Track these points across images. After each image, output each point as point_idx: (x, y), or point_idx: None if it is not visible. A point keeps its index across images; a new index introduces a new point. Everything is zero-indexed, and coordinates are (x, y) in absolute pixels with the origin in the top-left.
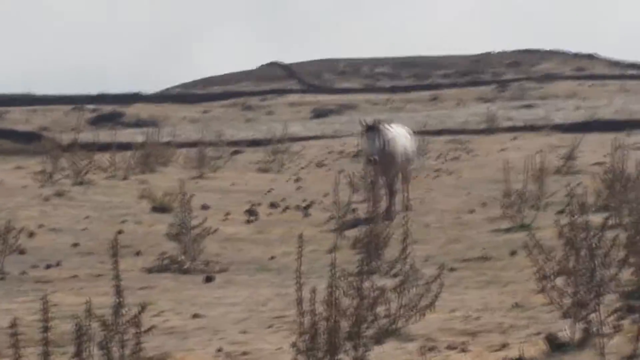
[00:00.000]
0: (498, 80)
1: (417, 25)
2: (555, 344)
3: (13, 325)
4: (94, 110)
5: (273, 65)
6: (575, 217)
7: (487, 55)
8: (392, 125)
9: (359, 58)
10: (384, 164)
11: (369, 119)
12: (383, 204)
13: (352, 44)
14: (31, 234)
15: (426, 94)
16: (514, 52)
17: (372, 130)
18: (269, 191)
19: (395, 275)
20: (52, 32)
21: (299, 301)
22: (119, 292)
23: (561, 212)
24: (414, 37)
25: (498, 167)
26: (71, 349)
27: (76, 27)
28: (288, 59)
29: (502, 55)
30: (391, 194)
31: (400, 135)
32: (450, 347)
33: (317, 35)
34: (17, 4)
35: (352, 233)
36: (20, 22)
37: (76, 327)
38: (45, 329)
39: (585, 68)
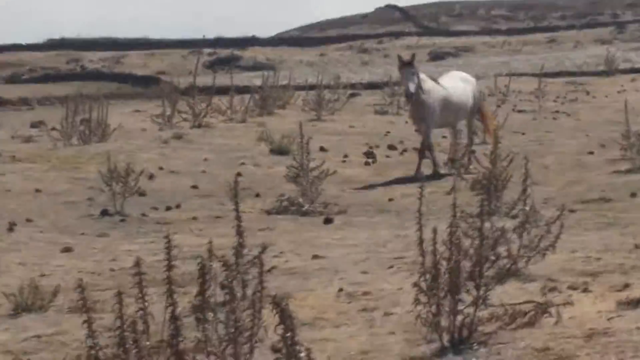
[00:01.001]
0: (616, 22)
1: None
2: None
3: (136, 264)
4: (211, 54)
5: (389, 8)
6: None
7: None
8: (446, 75)
9: (476, 0)
10: (415, 110)
11: (406, 55)
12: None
13: None
14: (151, 177)
15: (543, 36)
16: None
17: (409, 66)
18: (387, 133)
19: (515, 217)
20: None
21: (420, 241)
22: (240, 232)
23: None
24: None
25: (617, 109)
26: (192, 289)
27: None
28: (404, 1)
29: None
30: (426, 148)
31: (450, 85)
32: (571, 287)
33: None
34: None
35: (470, 174)
36: None
37: (199, 266)
38: (169, 268)
39: None
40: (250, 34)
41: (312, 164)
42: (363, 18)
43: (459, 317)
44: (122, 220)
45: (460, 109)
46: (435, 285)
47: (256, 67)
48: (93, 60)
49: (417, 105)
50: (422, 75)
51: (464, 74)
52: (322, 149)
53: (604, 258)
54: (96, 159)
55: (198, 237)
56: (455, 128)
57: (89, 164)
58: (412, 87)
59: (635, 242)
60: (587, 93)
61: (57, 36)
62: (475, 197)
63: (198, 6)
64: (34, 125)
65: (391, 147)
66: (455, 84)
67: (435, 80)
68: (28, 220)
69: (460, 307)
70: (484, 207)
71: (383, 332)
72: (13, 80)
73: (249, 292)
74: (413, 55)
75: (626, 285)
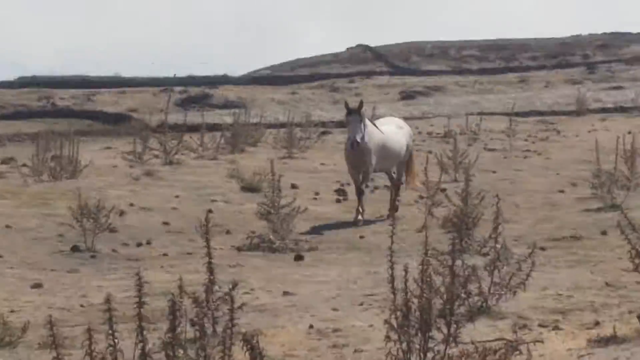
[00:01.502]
0: (587, 63)
1: (504, 6)
2: None
3: (107, 301)
4: (182, 92)
5: (360, 47)
6: None
7: (576, 37)
8: (382, 119)
9: (447, 40)
10: (357, 156)
11: (352, 102)
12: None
13: (438, 26)
14: (121, 213)
15: (514, 75)
16: (602, 34)
17: (355, 114)
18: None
19: (486, 254)
20: (141, 15)
21: (392, 279)
22: (210, 269)
23: None
24: (501, 19)
25: (587, 148)
26: (163, 326)
27: (162, 10)
28: (374, 41)
29: (591, 37)
30: (359, 194)
31: (387, 130)
32: (542, 325)
33: (402, 18)
34: None
35: (441, 212)
36: (109, 6)
37: (170, 302)
38: (140, 305)
39: None
40: (221, 73)
41: (283, 201)
42: (334, 57)
43: (430, 355)
44: (92, 257)
45: (395, 155)
46: (406, 322)
47: (227, 105)
48: (64, 97)
49: (359, 150)
50: (366, 121)
51: (400, 121)
52: (293, 186)
53: (574, 296)
54: (67, 195)
55: (168, 273)
56: (390, 173)
57: (59, 200)
58: (358, 137)
59: (605, 279)
60: (558, 132)
61: (27, 73)
62: (446, 234)
63: (169, 44)
64: (4, 161)
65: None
66: (392, 129)
67: (374, 124)
68: None
69: (431, 344)
70: (456, 244)
71: None
72: None
73: (220, 329)
74: (361, 103)
75: (597, 323)
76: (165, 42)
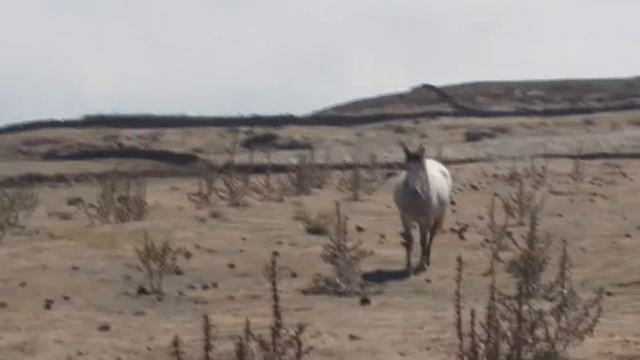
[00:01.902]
0: None
1: (570, 47)
2: None
3: (175, 344)
4: (247, 133)
5: (425, 87)
6: None
7: None
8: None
9: (512, 81)
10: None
11: (412, 146)
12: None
13: (504, 66)
14: (188, 255)
15: (579, 117)
16: None
17: (416, 160)
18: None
19: (552, 299)
20: (206, 55)
21: (458, 323)
22: (277, 312)
23: None
24: (567, 60)
25: None
26: None
27: (229, 50)
28: (439, 81)
29: None
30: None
31: (435, 176)
32: None
33: (468, 57)
34: (171, 29)
35: (507, 256)
36: (176, 46)
37: (237, 346)
38: (207, 347)
39: None
40: (286, 112)
41: (349, 244)
42: (399, 97)
43: None
44: (159, 299)
45: (444, 205)
46: None
47: (292, 145)
48: (130, 137)
49: (421, 200)
50: (426, 165)
51: (442, 166)
52: (359, 228)
53: None
54: (133, 236)
55: (235, 316)
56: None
57: (125, 241)
58: (417, 187)
59: None
60: (624, 175)
61: (91, 111)
62: (512, 279)
63: (234, 82)
64: (71, 202)
65: None
66: (439, 176)
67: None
68: (65, 297)
69: None
70: (522, 289)
71: None
72: (50, 156)
73: None
74: (421, 148)
75: None
76: (230, 82)
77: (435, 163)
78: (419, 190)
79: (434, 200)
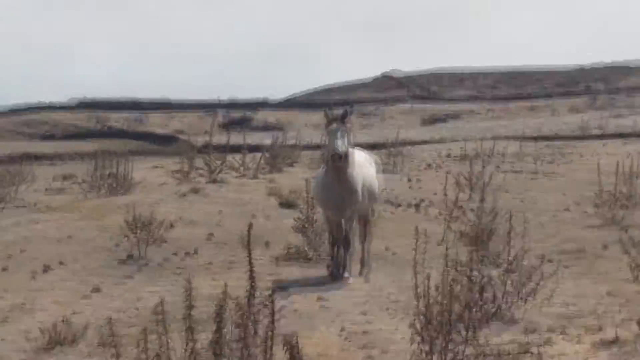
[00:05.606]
0: (589, 93)
1: (517, 39)
2: None
3: (160, 304)
4: (225, 116)
5: (386, 76)
6: None
7: (580, 69)
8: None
9: (463, 72)
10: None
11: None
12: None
13: (457, 56)
14: (170, 226)
15: (524, 104)
16: (605, 67)
17: (339, 122)
18: (384, 189)
19: (499, 266)
20: (189, 44)
21: (415, 287)
22: (252, 276)
23: None
24: (513, 51)
25: (590, 171)
26: (208, 328)
27: (210, 39)
28: (405, 66)
29: (594, 69)
30: (346, 245)
31: (361, 163)
32: (550, 330)
33: (426, 49)
34: (158, 19)
35: (459, 227)
36: (161, 36)
37: (216, 307)
38: (189, 308)
39: None
40: (261, 97)
41: (317, 217)
42: (363, 84)
43: (450, 355)
44: (145, 265)
45: (373, 197)
46: (429, 326)
47: (267, 127)
48: (117, 120)
49: (343, 182)
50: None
51: (370, 154)
52: None
53: (579, 304)
54: (121, 209)
55: (214, 280)
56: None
57: (115, 213)
58: (340, 148)
59: (607, 289)
60: (563, 156)
61: (80, 95)
62: (463, 247)
63: (213, 69)
64: (65, 177)
65: (388, 202)
66: (366, 164)
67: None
68: (61, 263)
69: (451, 346)
70: (473, 256)
71: None
72: (48, 137)
73: (261, 330)
74: (345, 111)
75: (600, 329)
76: (208, 68)
77: (363, 152)
78: (340, 151)
79: (359, 187)
